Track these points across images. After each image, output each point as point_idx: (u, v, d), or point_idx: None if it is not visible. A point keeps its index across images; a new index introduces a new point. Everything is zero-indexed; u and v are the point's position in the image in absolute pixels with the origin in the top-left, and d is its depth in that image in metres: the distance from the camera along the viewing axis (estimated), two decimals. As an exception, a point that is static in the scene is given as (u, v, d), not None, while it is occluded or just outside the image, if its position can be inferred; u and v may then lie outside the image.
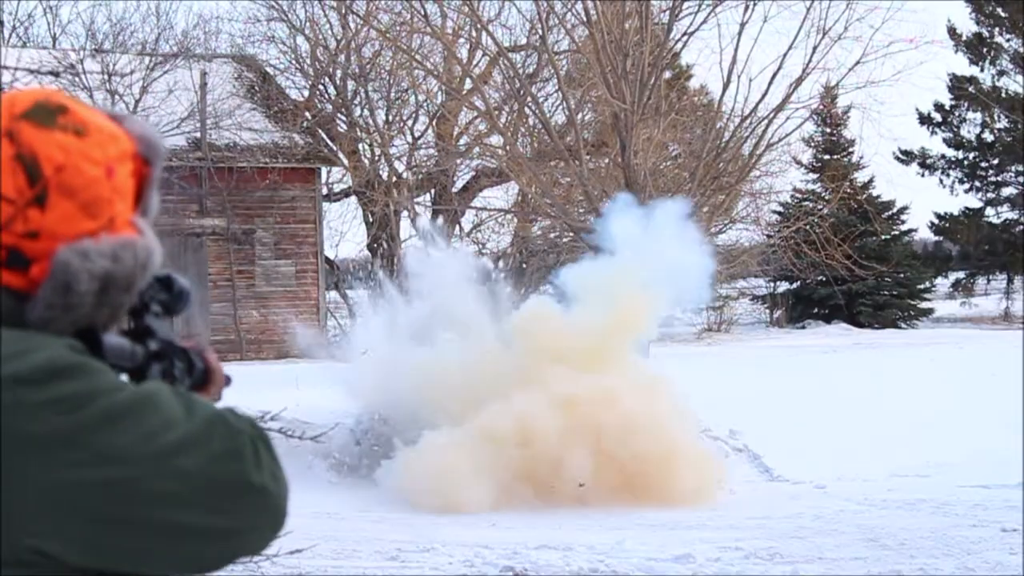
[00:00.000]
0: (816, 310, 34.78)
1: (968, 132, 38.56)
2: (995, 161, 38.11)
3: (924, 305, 35.61)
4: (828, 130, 34.78)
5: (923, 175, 38.87)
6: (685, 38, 27.71)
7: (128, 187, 1.63)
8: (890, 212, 35.37)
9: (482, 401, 12.55)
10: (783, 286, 35.51)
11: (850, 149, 34.30)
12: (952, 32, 37.29)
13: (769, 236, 29.50)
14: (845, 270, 28.78)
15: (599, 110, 27.86)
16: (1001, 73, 37.50)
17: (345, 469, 13.43)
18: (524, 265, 28.61)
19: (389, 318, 14.84)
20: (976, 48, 37.51)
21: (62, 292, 1.54)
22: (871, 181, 34.57)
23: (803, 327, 33.51)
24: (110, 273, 1.56)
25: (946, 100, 38.20)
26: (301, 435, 5.89)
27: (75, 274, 1.54)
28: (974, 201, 38.80)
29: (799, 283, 34.39)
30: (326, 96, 30.71)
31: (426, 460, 12.28)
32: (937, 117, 38.46)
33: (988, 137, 38.18)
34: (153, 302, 1.72)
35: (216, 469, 1.51)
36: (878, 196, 34.67)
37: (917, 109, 37.64)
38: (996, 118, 37.44)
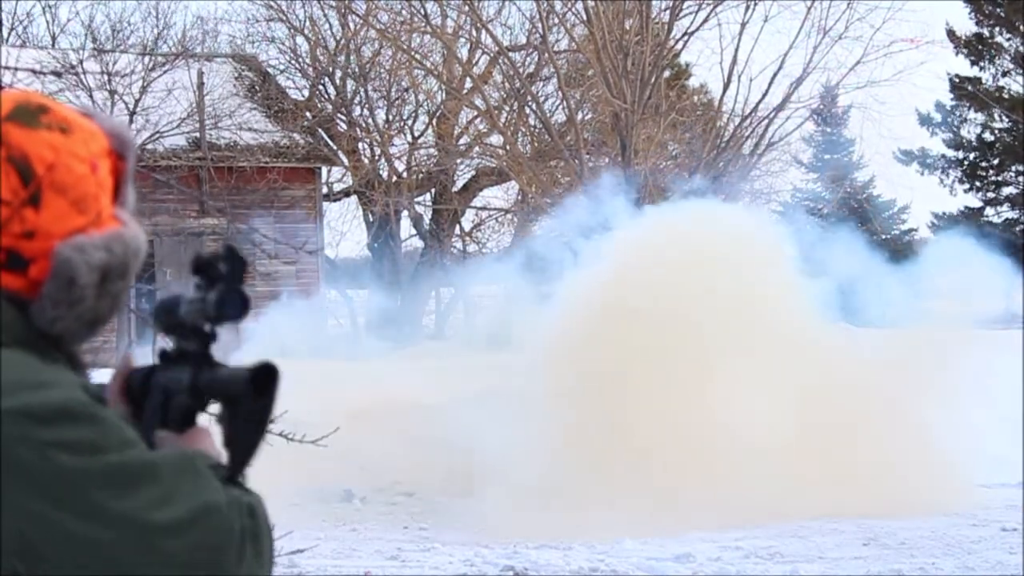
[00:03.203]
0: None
1: (968, 132, 38.56)
2: (995, 161, 38.11)
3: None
4: (828, 129, 34.81)
5: (923, 174, 38.88)
6: (685, 37, 27.76)
7: (108, 182, 1.66)
8: (890, 211, 35.41)
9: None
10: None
11: (850, 148, 34.34)
12: (951, 34, 37.27)
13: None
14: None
15: (599, 109, 27.86)
16: (1004, 73, 37.49)
17: None
18: None
19: None
20: (976, 48, 37.50)
21: (66, 287, 1.57)
22: (871, 180, 34.59)
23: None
24: (107, 263, 1.59)
25: (947, 101, 38.20)
26: (302, 438, 5.88)
27: (76, 268, 1.57)
28: (974, 201, 38.82)
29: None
30: (326, 96, 30.71)
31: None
32: (937, 118, 38.47)
33: (988, 137, 38.18)
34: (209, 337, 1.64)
35: (196, 558, 1.52)
36: (879, 195, 34.72)
37: (917, 111, 37.65)
38: (998, 118, 37.43)
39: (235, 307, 1.60)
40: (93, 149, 1.63)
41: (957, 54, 37.64)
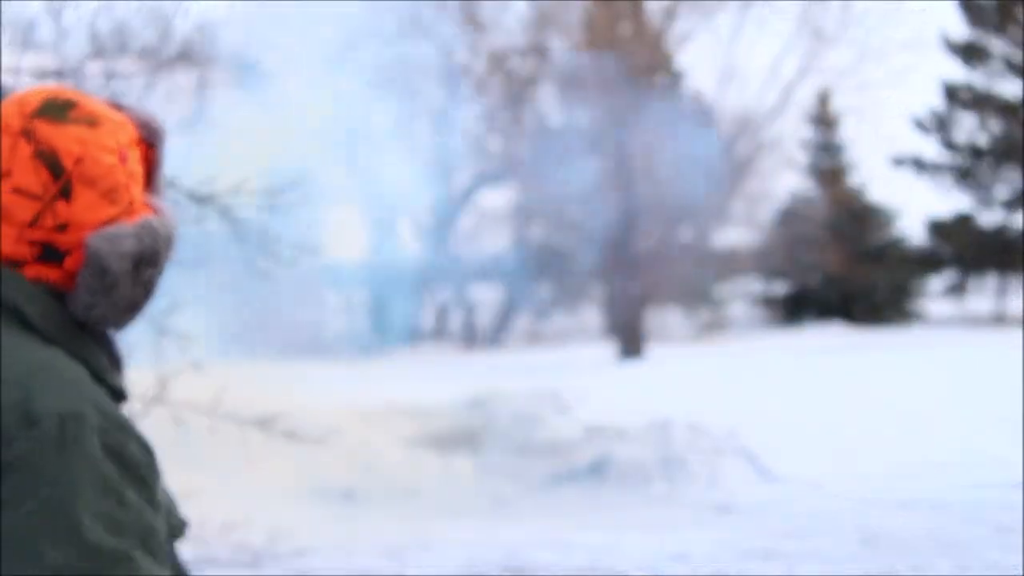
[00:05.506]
0: (813, 310, 34.86)
1: (962, 137, 38.61)
2: (989, 165, 38.16)
3: (919, 306, 35.74)
4: (822, 133, 34.90)
5: (917, 177, 38.94)
6: (680, 42, 27.84)
7: (139, 171, 1.70)
8: (884, 215, 35.50)
9: None
10: (780, 287, 35.61)
11: (844, 152, 34.43)
12: (946, 40, 37.34)
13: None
14: (841, 271, 28.87)
15: (597, 112, 27.88)
16: (1000, 77, 37.55)
17: None
18: None
19: None
20: (970, 53, 37.56)
21: (100, 276, 1.62)
22: (866, 184, 34.68)
23: (800, 327, 33.58)
24: (138, 251, 1.64)
25: (940, 105, 38.25)
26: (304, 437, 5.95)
27: (107, 257, 1.62)
28: (968, 204, 38.86)
29: (796, 284, 34.50)
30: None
31: None
32: (930, 123, 38.52)
33: (982, 142, 38.23)
34: None
35: None
36: (873, 199, 34.81)
37: (912, 116, 37.69)
38: (992, 122, 37.50)
39: None
40: (121, 139, 1.67)
41: (951, 58, 37.71)
